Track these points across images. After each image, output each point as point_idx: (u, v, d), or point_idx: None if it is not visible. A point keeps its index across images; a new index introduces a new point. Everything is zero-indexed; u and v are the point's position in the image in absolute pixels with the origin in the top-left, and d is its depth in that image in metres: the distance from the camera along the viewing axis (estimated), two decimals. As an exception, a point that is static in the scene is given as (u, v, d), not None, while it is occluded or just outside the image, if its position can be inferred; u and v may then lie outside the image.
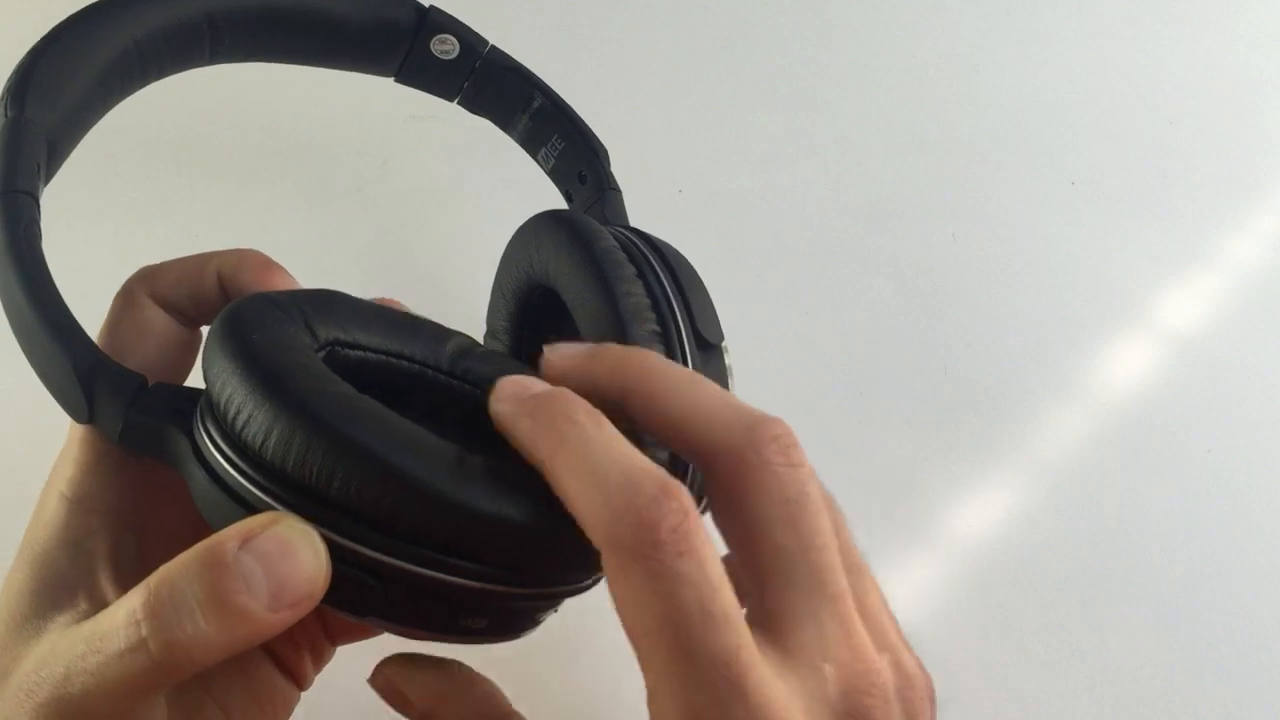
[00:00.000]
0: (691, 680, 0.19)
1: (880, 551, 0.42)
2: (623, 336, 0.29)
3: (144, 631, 0.20)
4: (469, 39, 0.41)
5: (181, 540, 0.26)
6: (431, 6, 0.40)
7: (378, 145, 0.45)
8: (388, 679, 0.24)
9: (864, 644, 0.21)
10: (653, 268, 0.32)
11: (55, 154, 0.30)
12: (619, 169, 0.42)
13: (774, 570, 0.21)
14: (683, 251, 0.34)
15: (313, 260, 0.46)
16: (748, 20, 0.60)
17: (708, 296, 0.32)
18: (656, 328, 0.30)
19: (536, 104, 0.42)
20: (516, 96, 0.42)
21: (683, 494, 0.20)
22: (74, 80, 0.30)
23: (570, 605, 0.25)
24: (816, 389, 0.47)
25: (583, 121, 0.42)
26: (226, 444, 0.22)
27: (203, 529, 0.27)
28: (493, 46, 0.42)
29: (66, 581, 0.24)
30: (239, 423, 0.22)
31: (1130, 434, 0.48)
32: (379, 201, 0.49)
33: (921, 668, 0.23)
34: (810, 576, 0.21)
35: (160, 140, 0.41)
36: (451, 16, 0.41)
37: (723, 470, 0.21)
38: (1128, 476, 0.46)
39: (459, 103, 0.43)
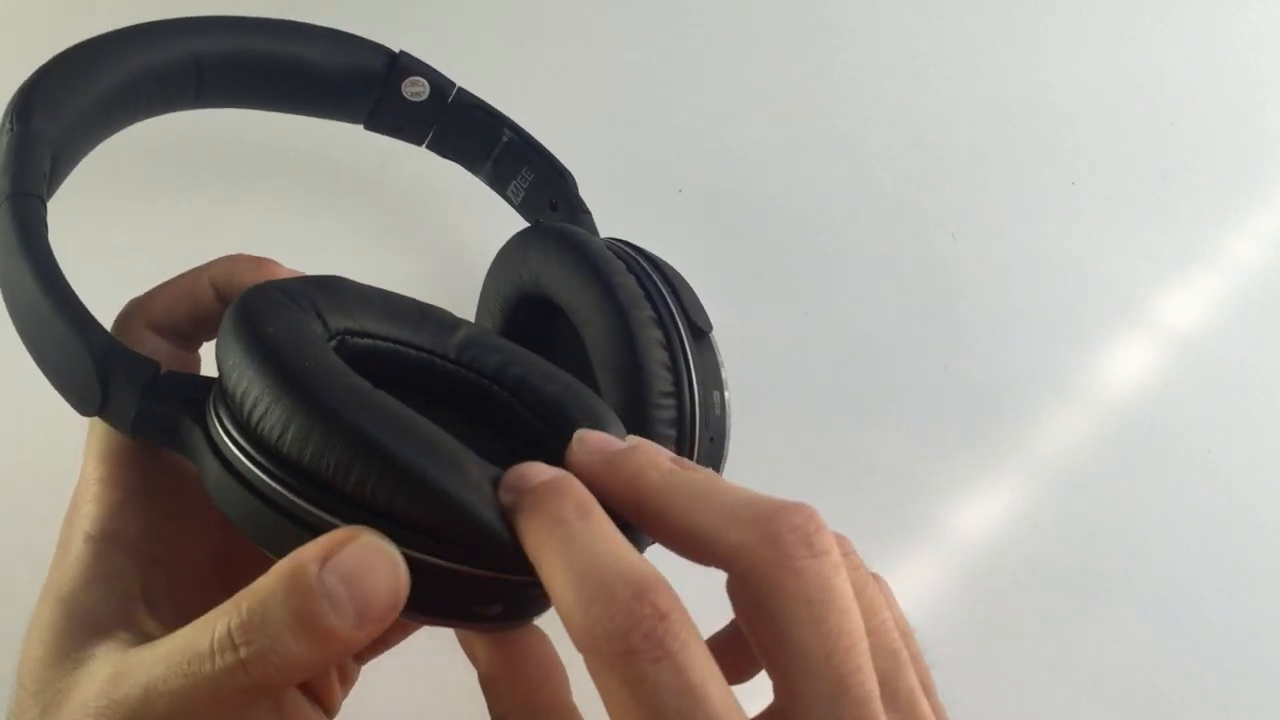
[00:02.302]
0: None
1: (880, 552, 0.42)
2: (624, 322, 0.30)
3: (242, 654, 0.21)
4: (438, 80, 0.42)
5: (208, 572, 0.27)
6: (401, 51, 0.41)
7: (378, 145, 0.45)
8: (465, 633, 0.24)
9: None
10: (641, 265, 0.34)
11: (56, 170, 0.30)
12: (619, 169, 0.42)
13: (795, 671, 0.20)
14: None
15: (313, 261, 0.46)
16: (748, 20, 0.60)
17: (694, 291, 0.33)
18: (653, 314, 0.32)
19: (505, 139, 0.43)
20: (485, 134, 0.43)
21: (660, 596, 0.19)
22: (73, 103, 0.31)
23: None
24: (816, 389, 0.47)
25: (549, 152, 0.43)
26: (242, 436, 0.22)
27: (230, 561, 0.27)
28: (460, 87, 0.43)
29: (101, 618, 0.24)
30: (255, 416, 0.22)
31: (1130, 434, 0.48)
32: (379, 201, 0.49)
33: None
34: (835, 681, 0.20)
35: (160, 141, 0.41)
36: (420, 60, 0.42)
37: (741, 572, 0.21)
38: (1128, 476, 0.46)
39: (428, 146, 0.44)
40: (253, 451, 0.22)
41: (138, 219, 0.46)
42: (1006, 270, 0.52)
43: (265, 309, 0.24)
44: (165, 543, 0.26)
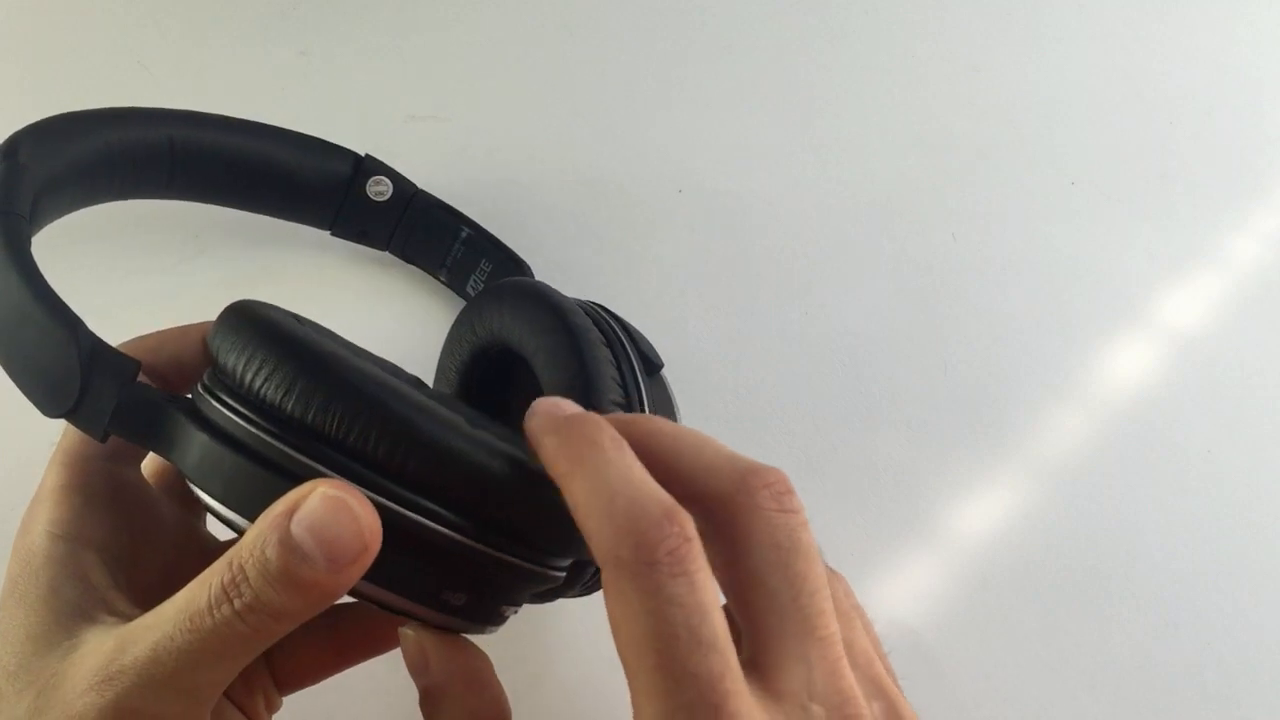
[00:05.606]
0: (672, 699, 0.19)
1: (880, 551, 0.42)
2: (580, 356, 0.32)
3: (237, 605, 0.22)
4: (400, 181, 0.45)
5: (168, 575, 0.27)
6: (367, 155, 0.44)
7: (378, 145, 0.45)
8: (419, 642, 0.25)
9: (851, 687, 0.21)
10: (597, 311, 0.36)
11: (35, 216, 0.31)
12: (619, 169, 0.42)
13: (765, 613, 0.21)
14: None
15: (314, 262, 0.47)
16: (748, 20, 0.60)
17: (644, 336, 0.36)
18: (609, 352, 0.33)
19: (465, 234, 0.45)
20: (446, 231, 0.45)
21: (686, 522, 0.20)
22: (53, 160, 0.33)
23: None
24: (816, 389, 0.47)
25: (506, 245, 0.45)
26: (240, 401, 0.24)
27: (186, 564, 0.28)
28: (420, 189, 0.45)
29: (84, 606, 0.25)
30: (259, 379, 0.23)
31: (1130, 434, 0.48)
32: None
33: (915, 717, 0.23)
34: (802, 621, 0.21)
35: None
36: (383, 162, 0.44)
37: (717, 516, 0.22)
38: (1128, 476, 0.46)
39: (391, 250, 0.46)
40: (251, 412, 0.23)
41: (133, 220, 0.46)
42: (1006, 270, 0.52)
43: (259, 304, 0.26)
44: (125, 547, 0.27)
